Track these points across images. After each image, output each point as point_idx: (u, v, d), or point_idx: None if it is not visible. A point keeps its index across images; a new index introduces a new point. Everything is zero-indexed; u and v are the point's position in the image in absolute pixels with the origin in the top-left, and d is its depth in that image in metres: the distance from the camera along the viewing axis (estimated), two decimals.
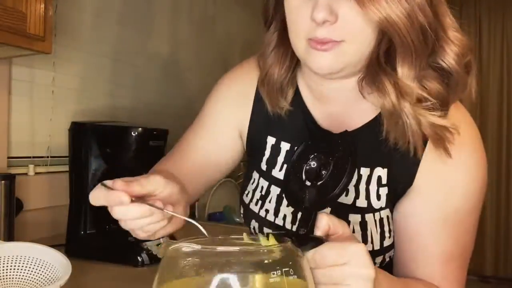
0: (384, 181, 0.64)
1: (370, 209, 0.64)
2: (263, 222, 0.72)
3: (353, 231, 0.63)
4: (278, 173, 0.71)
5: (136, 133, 1.09)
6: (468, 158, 0.62)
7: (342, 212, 0.63)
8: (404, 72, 0.56)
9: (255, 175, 0.75)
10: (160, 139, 1.14)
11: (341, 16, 0.54)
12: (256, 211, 0.73)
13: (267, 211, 0.71)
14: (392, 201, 0.65)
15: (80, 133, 1.10)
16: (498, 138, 3.84)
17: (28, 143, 1.26)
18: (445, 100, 0.59)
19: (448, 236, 0.63)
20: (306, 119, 0.69)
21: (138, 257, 1.02)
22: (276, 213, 0.70)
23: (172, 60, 1.94)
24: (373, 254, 0.64)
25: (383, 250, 0.65)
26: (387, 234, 0.65)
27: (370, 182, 0.64)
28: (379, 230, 0.64)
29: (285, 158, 0.71)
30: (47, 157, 1.31)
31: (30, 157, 1.26)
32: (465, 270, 0.68)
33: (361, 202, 0.64)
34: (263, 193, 0.72)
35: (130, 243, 1.06)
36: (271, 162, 0.72)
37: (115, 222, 1.22)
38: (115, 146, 1.09)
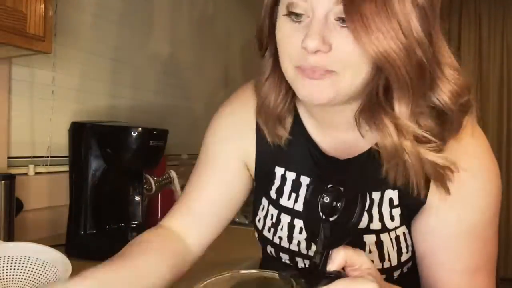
0: (396, 202, 0.63)
1: (384, 229, 0.63)
2: (278, 248, 0.71)
3: (369, 251, 0.62)
4: (287, 202, 0.70)
5: (136, 133, 1.09)
6: (479, 172, 0.61)
7: (356, 234, 0.62)
8: (401, 110, 0.54)
9: (264, 201, 0.74)
10: (160, 139, 1.14)
11: (335, 46, 0.51)
12: (270, 238, 0.71)
13: (280, 238, 0.70)
14: (407, 219, 0.64)
15: (80, 133, 1.10)
16: (498, 138, 3.84)
17: (28, 143, 1.26)
18: (439, 138, 0.56)
19: (469, 251, 0.63)
20: (310, 147, 0.68)
21: None
22: (289, 240, 0.69)
23: (172, 60, 1.94)
24: (391, 269, 0.64)
25: (401, 265, 0.64)
26: (404, 250, 0.64)
27: (382, 205, 0.63)
28: (395, 247, 0.63)
29: (291, 187, 0.70)
30: (47, 157, 1.31)
31: (30, 157, 1.26)
32: (493, 276, 0.68)
33: (375, 225, 0.63)
34: (274, 221, 0.71)
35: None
36: (279, 192, 0.71)
37: (115, 222, 1.22)
38: (115, 146, 1.09)
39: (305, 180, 0.68)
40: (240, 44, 2.57)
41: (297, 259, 0.69)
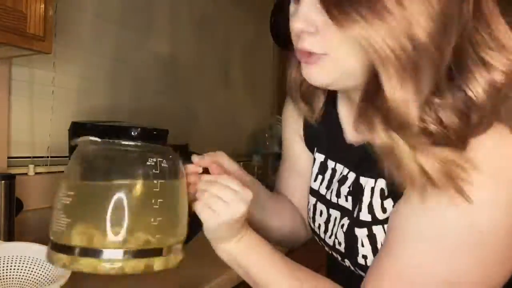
0: (387, 193, 0.57)
1: (376, 221, 0.57)
2: (321, 240, 0.71)
3: (362, 245, 0.59)
4: (313, 183, 0.71)
5: (136, 133, 1.09)
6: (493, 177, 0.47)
7: (349, 228, 0.61)
8: (395, 97, 0.45)
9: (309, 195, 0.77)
10: (160, 139, 1.14)
11: (321, 28, 0.49)
12: (313, 227, 0.73)
13: (319, 226, 0.71)
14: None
15: (80, 133, 1.10)
16: None
17: (28, 143, 1.26)
18: (461, 137, 0.46)
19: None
20: (338, 132, 0.67)
21: None
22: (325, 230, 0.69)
23: (172, 60, 1.94)
24: None
25: None
26: None
27: (373, 195, 0.58)
28: None
29: (318, 169, 0.71)
30: (47, 157, 1.32)
31: (30, 157, 1.26)
32: None
33: (364, 215, 0.59)
34: (310, 207, 0.74)
35: None
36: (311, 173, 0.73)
37: None
38: None
39: (330, 164, 0.69)
40: (240, 44, 2.57)
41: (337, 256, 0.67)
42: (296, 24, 0.50)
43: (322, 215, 0.68)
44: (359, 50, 0.47)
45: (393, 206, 0.56)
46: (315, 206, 0.70)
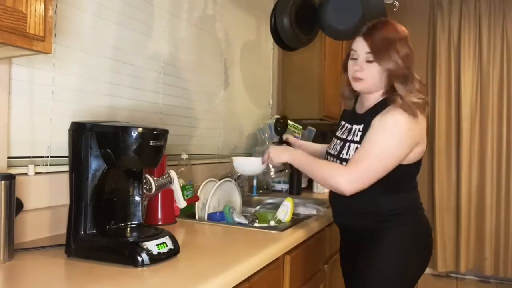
0: (361, 131, 1.42)
1: (354, 141, 1.42)
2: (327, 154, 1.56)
3: (348, 151, 1.43)
4: (339, 131, 1.55)
5: (136, 133, 1.09)
6: (386, 120, 1.34)
7: (343, 144, 1.47)
8: (398, 89, 1.36)
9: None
10: (160, 139, 1.14)
11: (363, 67, 1.40)
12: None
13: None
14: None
15: (80, 133, 1.10)
16: (498, 138, 3.84)
17: (28, 143, 1.26)
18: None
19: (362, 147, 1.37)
20: (352, 110, 1.55)
21: (138, 257, 1.02)
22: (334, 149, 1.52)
23: (172, 60, 1.94)
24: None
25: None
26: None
27: (357, 131, 1.43)
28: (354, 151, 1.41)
29: (340, 126, 1.56)
30: (47, 157, 1.31)
31: (30, 157, 1.26)
32: (364, 161, 1.33)
33: (352, 137, 1.45)
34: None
35: (130, 243, 1.06)
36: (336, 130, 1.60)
37: (115, 222, 1.23)
38: (115, 146, 1.09)
39: (343, 123, 1.55)
40: (240, 45, 2.57)
41: None
42: (356, 71, 1.41)
43: (334, 144, 1.52)
44: (382, 74, 1.38)
45: (362, 136, 1.40)
46: (335, 141, 1.53)
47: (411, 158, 1.37)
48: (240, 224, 1.66)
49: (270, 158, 1.51)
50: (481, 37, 3.88)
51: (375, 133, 1.33)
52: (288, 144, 1.73)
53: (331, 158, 1.48)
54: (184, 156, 1.90)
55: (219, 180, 1.84)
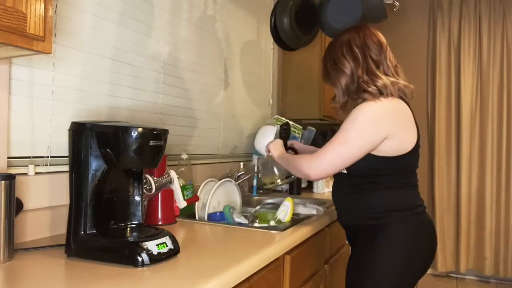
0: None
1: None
2: None
3: None
4: None
5: (136, 133, 1.09)
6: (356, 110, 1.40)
7: None
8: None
9: None
10: (160, 139, 1.14)
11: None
12: None
13: None
14: None
15: (80, 133, 1.10)
16: (498, 138, 3.84)
17: (28, 143, 1.26)
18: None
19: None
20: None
21: (138, 257, 1.02)
22: None
23: (172, 60, 1.94)
24: None
25: None
26: None
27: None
28: None
29: None
30: (47, 157, 1.31)
31: (30, 157, 1.26)
32: (328, 147, 1.41)
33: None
34: None
35: (130, 243, 1.06)
36: None
37: (115, 222, 1.22)
38: (115, 146, 1.09)
39: None
40: (240, 45, 2.57)
41: None
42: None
43: None
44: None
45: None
46: None
47: (387, 151, 1.37)
48: (240, 224, 1.66)
49: (268, 149, 1.74)
50: (481, 37, 3.88)
51: (343, 123, 1.40)
52: (294, 150, 1.86)
53: None
54: (184, 156, 1.90)
55: (219, 180, 1.84)
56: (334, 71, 1.49)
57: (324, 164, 1.39)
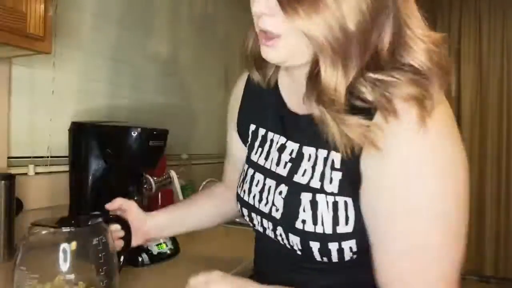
0: (337, 165, 0.62)
1: (322, 190, 0.63)
2: (251, 208, 0.76)
3: (304, 210, 0.64)
4: (254, 155, 0.77)
5: (136, 133, 1.09)
6: (403, 146, 0.55)
7: (296, 190, 0.66)
8: (327, 80, 0.55)
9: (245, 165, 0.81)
10: (160, 139, 1.14)
11: (277, 11, 0.56)
12: (242, 196, 0.78)
13: (254, 196, 0.75)
14: (350, 189, 0.61)
15: (80, 133, 1.10)
16: (498, 138, 3.84)
17: (28, 143, 1.26)
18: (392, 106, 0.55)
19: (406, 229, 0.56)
20: (279, 105, 0.74)
21: (138, 257, 1.02)
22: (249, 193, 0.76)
23: (172, 60, 1.94)
24: (325, 238, 0.63)
25: (336, 237, 0.62)
26: (341, 220, 0.61)
27: (326, 165, 0.63)
28: (331, 213, 0.62)
29: (260, 143, 0.76)
30: (47, 157, 1.31)
31: (30, 157, 1.26)
32: (431, 271, 0.56)
33: (315, 183, 0.64)
34: (244, 176, 0.78)
35: None
36: (251, 147, 0.79)
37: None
38: (115, 146, 1.09)
39: (270, 135, 0.75)
40: (240, 44, 2.57)
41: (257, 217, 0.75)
42: (258, 7, 0.57)
43: (258, 185, 0.73)
44: (304, 37, 0.55)
45: (341, 180, 0.62)
46: (253, 176, 0.75)
47: None
48: (240, 224, 1.66)
49: None
50: (481, 37, 3.88)
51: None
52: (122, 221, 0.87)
53: (261, 220, 0.74)
54: (184, 156, 1.90)
55: (219, 180, 1.84)
56: None
57: None
